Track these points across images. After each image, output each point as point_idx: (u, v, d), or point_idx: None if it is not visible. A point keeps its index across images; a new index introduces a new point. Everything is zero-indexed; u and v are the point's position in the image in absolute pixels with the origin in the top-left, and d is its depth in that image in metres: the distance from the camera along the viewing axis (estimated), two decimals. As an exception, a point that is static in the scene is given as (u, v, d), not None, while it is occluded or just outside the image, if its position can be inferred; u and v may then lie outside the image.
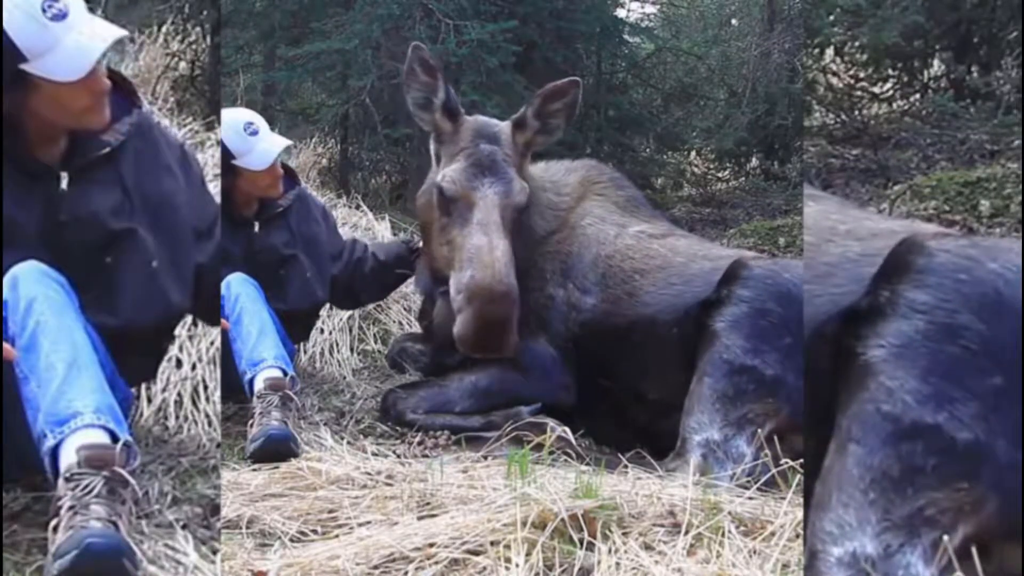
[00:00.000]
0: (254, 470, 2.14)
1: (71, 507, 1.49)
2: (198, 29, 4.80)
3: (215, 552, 1.66)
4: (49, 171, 1.85)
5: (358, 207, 4.66)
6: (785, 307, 2.16)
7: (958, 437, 1.37)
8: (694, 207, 6.28)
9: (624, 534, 1.63)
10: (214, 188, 2.67)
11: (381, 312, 3.68)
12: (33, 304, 1.66)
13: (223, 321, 2.45)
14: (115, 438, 1.60)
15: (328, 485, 1.99)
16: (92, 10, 1.85)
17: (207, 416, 2.34)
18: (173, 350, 2.42)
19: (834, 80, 5.43)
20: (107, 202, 1.89)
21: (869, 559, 1.34)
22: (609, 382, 2.37)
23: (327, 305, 3.11)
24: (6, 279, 1.69)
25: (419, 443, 2.47)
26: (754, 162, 6.96)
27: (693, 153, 7.29)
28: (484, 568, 1.53)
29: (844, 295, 1.68)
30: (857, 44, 5.21)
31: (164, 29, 4.64)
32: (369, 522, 1.77)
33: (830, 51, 5.36)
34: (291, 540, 1.72)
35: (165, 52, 4.54)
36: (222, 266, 2.29)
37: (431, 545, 1.58)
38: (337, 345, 3.39)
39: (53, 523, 1.51)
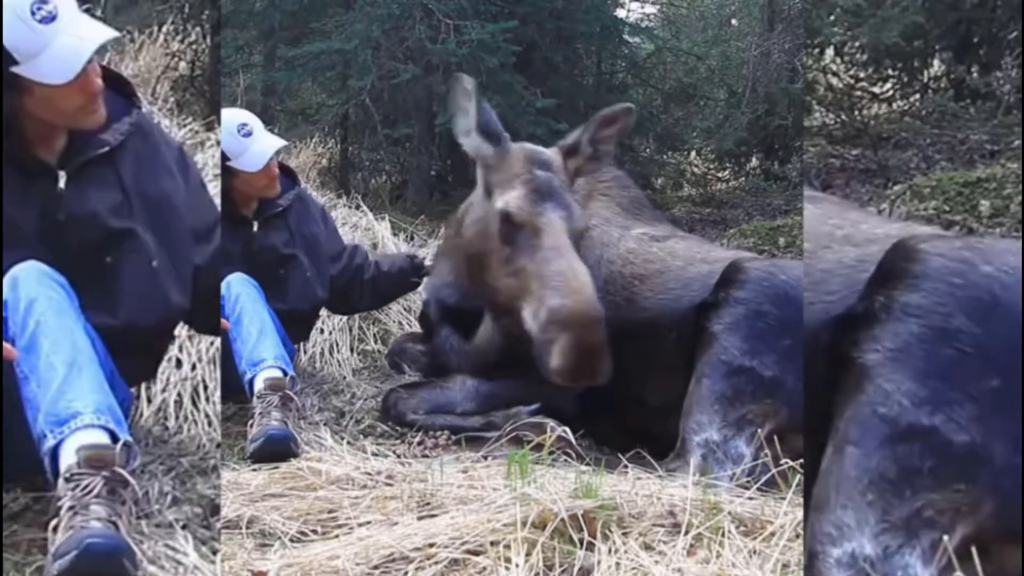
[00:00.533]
0: (254, 470, 2.14)
1: (71, 507, 1.49)
2: (198, 29, 4.81)
3: (215, 552, 1.66)
4: (48, 170, 1.85)
5: (358, 207, 4.66)
6: (782, 308, 2.16)
7: (955, 439, 1.37)
8: (694, 207, 6.28)
9: (624, 534, 1.63)
10: (214, 188, 2.67)
11: (381, 312, 3.68)
12: (33, 304, 1.66)
13: (223, 321, 2.45)
14: (115, 438, 1.60)
15: (328, 485, 2.00)
16: (92, 10, 1.84)
17: (207, 416, 2.34)
18: (173, 350, 2.42)
19: (834, 80, 5.43)
20: (106, 201, 1.89)
21: (868, 560, 1.34)
22: (610, 387, 2.37)
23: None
24: (6, 279, 1.69)
25: (419, 443, 2.47)
26: (754, 162, 6.96)
27: (693, 153, 7.29)
28: (484, 568, 1.53)
29: (838, 303, 1.68)
30: (857, 44, 5.21)
31: (164, 29, 4.64)
32: (369, 522, 1.77)
33: (830, 51, 5.35)
34: (291, 540, 1.72)
35: (165, 52, 4.54)
36: (221, 266, 2.29)
37: (431, 545, 1.59)
38: (337, 345, 3.39)
39: (53, 523, 1.51)
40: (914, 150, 4.92)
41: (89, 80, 1.81)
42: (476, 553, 1.56)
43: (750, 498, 1.83)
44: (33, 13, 1.71)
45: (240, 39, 5.92)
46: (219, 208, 2.26)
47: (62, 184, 1.85)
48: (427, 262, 3.15)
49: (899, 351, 1.48)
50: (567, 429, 2.31)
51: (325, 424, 2.56)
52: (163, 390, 2.35)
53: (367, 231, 4.33)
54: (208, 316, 2.19)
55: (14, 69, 1.72)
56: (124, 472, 1.56)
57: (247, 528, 1.76)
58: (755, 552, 1.59)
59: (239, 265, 2.66)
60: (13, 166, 1.79)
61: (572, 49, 6.27)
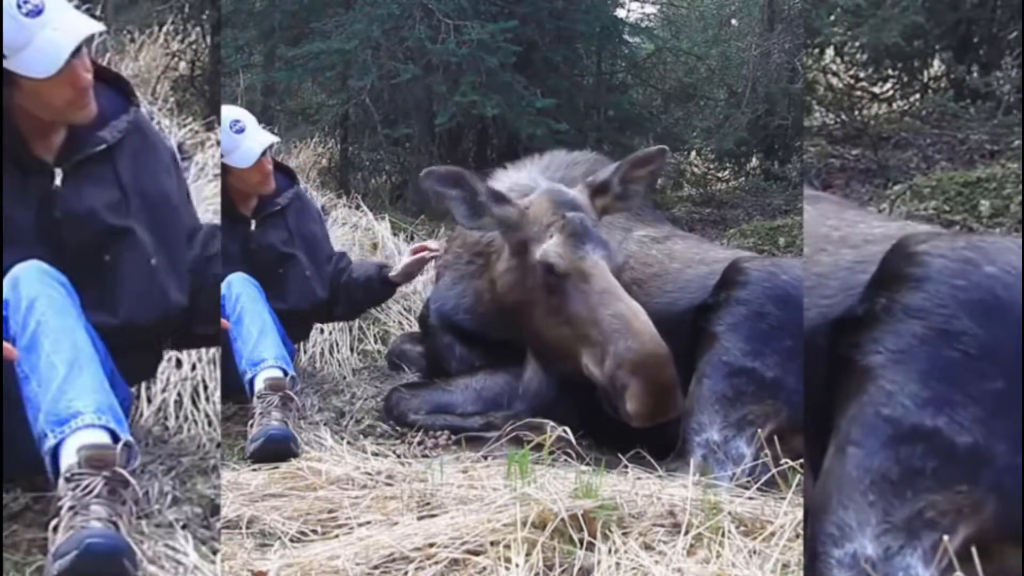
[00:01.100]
0: (254, 470, 2.14)
1: (71, 507, 1.49)
2: (198, 29, 4.81)
3: (215, 552, 1.66)
4: (44, 167, 1.85)
5: (358, 207, 4.66)
6: (783, 309, 2.16)
7: (957, 440, 1.37)
8: (694, 207, 6.28)
9: (624, 534, 1.63)
10: (215, 188, 2.67)
11: (381, 312, 3.68)
12: (34, 304, 1.66)
13: (223, 321, 2.45)
14: (116, 438, 1.60)
15: (328, 485, 2.00)
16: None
17: (207, 416, 2.34)
18: (173, 350, 2.42)
19: (834, 80, 5.43)
20: (103, 199, 1.89)
21: (869, 560, 1.34)
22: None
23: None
24: (7, 278, 1.69)
25: (419, 443, 2.47)
26: (754, 162, 6.96)
27: (693, 153, 7.29)
28: (484, 568, 1.53)
29: (835, 306, 1.68)
30: (857, 44, 5.21)
31: (164, 29, 4.64)
32: (369, 522, 1.77)
33: (830, 51, 5.35)
34: (291, 540, 1.72)
35: (165, 52, 4.54)
36: (219, 267, 2.29)
37: (431, 545, 1.59)
38: (337, 345, 3.39)
39: (53, 523, 1.51)
40: (914, 150, 4.92)
41: (77, 74, 1.80)
42: (476, 553, 1.56)
43: (750, 498, 1.83)
44: (20, 7, 1.72)
45: (240, 39, 5.92)
46: (201, 215, 2.27)
47: (58, 182, 1.85)
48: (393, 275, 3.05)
49: (902, 352, 1.48)
50: (567, 429, 2.30)
51: (325, 424, 2.56)
52: (163, 390, 2.35)
53: (367, 231, 4.33)
54: (209, 315, 2.18)
55: (4, 64, 1.72)
56: (125, 472, 1.56)
57: (247, 528, 1.76)
58: (755, 552, 1.59)
59: (238, 264, 2.66)
60: (10, 164, 1.79)
61: (572, 49, 6.27)
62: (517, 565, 1.51)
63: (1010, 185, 3.76)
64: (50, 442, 1.58)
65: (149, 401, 2.33)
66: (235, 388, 2.48)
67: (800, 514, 1.63)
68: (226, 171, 2.74)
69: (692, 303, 2.35)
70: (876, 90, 5.49)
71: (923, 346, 1.46)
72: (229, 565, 1.58)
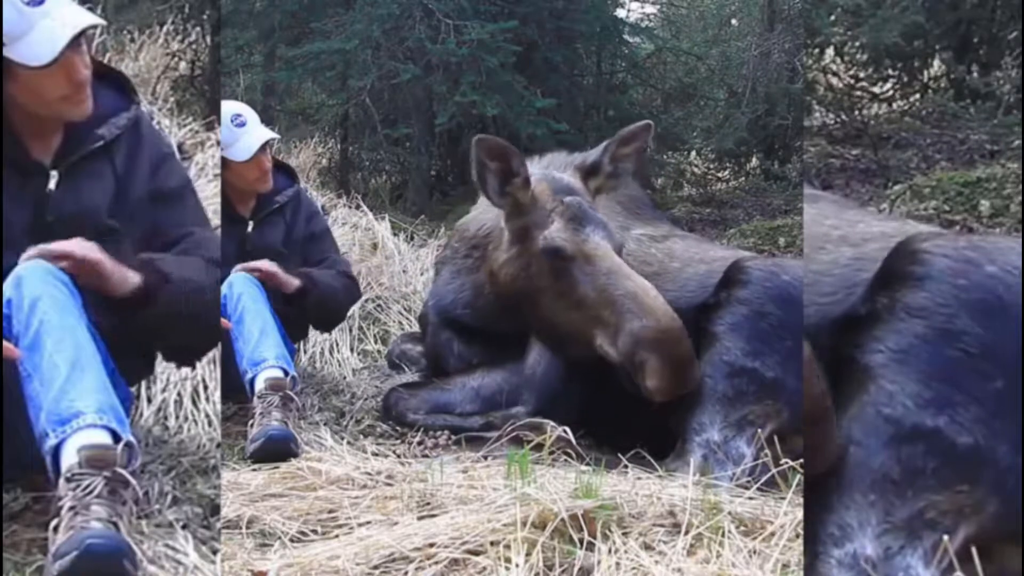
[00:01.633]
0: (254, 470, 2.14)
1: (72, 507, 1.49)
2: (198, 29, 4.81)
3: (215, 552, 1.66)
4: (40, 169, 1.85)
5: (358, 207, 4.66)
6: (784, 309, 2.16)
7: (958, 440, 1.37)
8: (694, 207, 6.28)
9: (624, 534, 1.63)
10: (215, 188, 2.67)
11: (381, 312, 3.69)
12: (37, 303, 1.66)
13: (224, 321, 2.45)
14: (117, 438, 1.60)
15: (328, 485, 2.00)
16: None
17: (207, 416, 2.34)
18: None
19: (834, 80, 5.43)
20: (97, 199, 1.88)
21: (870, 560, 1.34)
22: (611, 390, 2.36)
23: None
24: (11, 277, 1.69)
25: (419, 443, 2.47)
26: (754, 162, 6.96)
27: (693, 153, 7.28)
28: (484, 568, 1.53)
29: (834, 304, 1.68)
30: (857, 44, 5.21)
31: (164, 29, 4.64)
32: (369, 522, 1.77)
33: (830, 51, 5.36)
34: (291, 540, 1.72)
35: (165, 52, 4.54)
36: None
37: (431, 545, 1.59)
38: (337, 345, 3.39)
39: (53, 523, 1.51)
40: (914, 150, 4.92)
41: (74, 67, 1.80)
42: (476, 553, 1.56)
43: (750, 498, 1.83)
44: None
45: (240, 39, 5.92)
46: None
47: (52, 185, 1.84)
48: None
49: (903, 352, 1.48)
50: (567, 429, 2.30)
51: (325, 424, 2.56)
52: (163, 390, 2.34)
53: (367, 231, 4.33)
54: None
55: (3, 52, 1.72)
56: (125, 472, 1.56)
57: (247, 528, 1.76)
58: (755, 552, 1.59)
59: (234, 265, 2.65)
60: (7, 165, 1.79)
61: (572, 49, 6.28)
62: (517, 565, 1.51)
63: (1010, 185, 3.76)
64: (51, 441, 1.57)
65: (149, 401, 2.33)
66: (236, 388, 2.48)
67: (800, 514, 1.63)
68: (225, 167, 2.74)
69: (692, 302, 2.35)
70: (876, 90, 5.49)
71: (924, 346, 1.46)
72: (229, 565, 1.58)
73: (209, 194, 3.05)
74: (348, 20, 5.33)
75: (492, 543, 1.57)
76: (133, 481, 1.57)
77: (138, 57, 4.42)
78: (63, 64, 1.76)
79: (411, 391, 2.74)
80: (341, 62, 5.42)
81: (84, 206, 1.86)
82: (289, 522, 1.78)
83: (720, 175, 7.22)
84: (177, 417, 2.33)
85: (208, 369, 2.40)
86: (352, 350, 3.44)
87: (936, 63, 5.42)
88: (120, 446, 1.59)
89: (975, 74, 5.02)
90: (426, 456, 2.35)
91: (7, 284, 1.68)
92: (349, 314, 3.43)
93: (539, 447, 2.17)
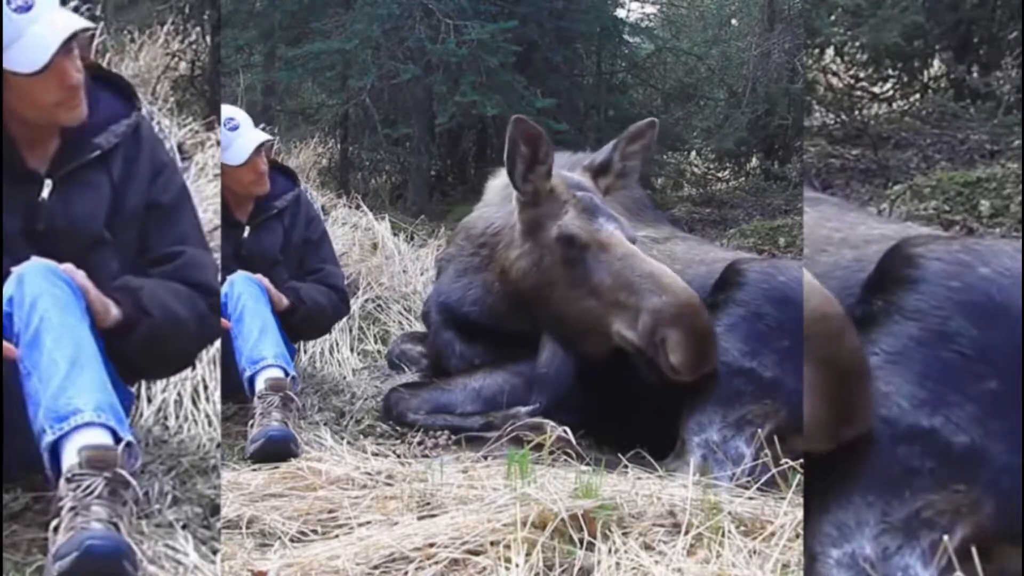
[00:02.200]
0: (254, 470, 2.14)
1: (72, 508, 1.49)
2: (198, 29, 4.80)
3: (215, 552, 1.66)
4: (35, 177, 1.83)
5: (358, 207, 4.66)
6: (781, 310, 2.16)
7: (954, 441, 1.38)
8: (694, 207, 6.28)
9: (624, 534, 1.63)
10: (215, 188, 2.66)
11: (381, 312, 3.69)
12: (38, 301, 1.66)
13: (224, 321, 2.45)
14: (117, 438, 1.60)
15: (328, 485, 2.00)
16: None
17: (207, 416, 2.34)
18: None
19: (834, 80, 5.43)
20: (91, 208, 1.86)
21: (868, 560, 1.34)
22: (615, 389, 2.37)
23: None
24: (12, 276, 1.69)
25: (419, 443, 2.47)
26: (754, 162, 6.96)
27: (693, 153, 7.29)
28: (484, 568, 1.53)
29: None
30: (857, 44, 5.21)
31: (164, 29, 4.63)
32: (369, 522, 1.77)
33: (830, 51, 5.36)
34: (291, 540, 1.72)
35: (165, 52, 4.53)
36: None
37: (431, 545, 1.59)
38: (337, 345, 3.39)
39: (54, 524, 1.51)
40: (914, 150, 4.92)
41: (66, 73, 1.78)
42: (476, 553, 1.56)
43: (750, 498, 1.83)
44: (9, 3, 1.72)
45: (240, 39, 5.92)
46: (201, 215, 2.20)
47: (45, 194, 1.82)
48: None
49: (898, 354, 1.49)
50: (567, 429, 2.30)
51: (325, 424, 2.56)
52: (163, 390, 2.34)
53: (367, 231, 4.33)
54: None
55: None
56: (125, 473, 1.56)
57: (247, 528, 1.77)
58: (755, 552, 1.59)
59: (231, 268, 2.65)
60: (3, 171, 1.78)
61: (572, 49, 6.28)
62: (517, 565, 1.51)
63: (1010, 185, 3.77)
64: (48, 438, 1.57)
65: (149, 401, 2.33)
66: (235, 387, 2.48)
67: (800, 514, 1.63)
68: (221, 172, 2.73)
69: None
70: (876, 90, 5.49)
71: (919, 347, 1.47)
72: (229, 565, 1.58)
73: (209, 194, 3.05)
74: (348, 20, 5.34)
75: (492, 543, 1.57)
76: (133, 481, 1.58)
77: (138, 57, 4.41)
78: (55, 70, 1.75)
79: (411, 391, 2.74)
80: (341, 62, 5.42)
81: (76, 216, 1.84)
82: (289, 522, 1.78)
83: (720, 175, 7.23)
84: (177, 417, 2.33)
85: (208, 369, 2.40)
86: (352, 350, 3.44)
87: (936, 63, 5.42)
88: (120, 446, 1.59)
89: (975, 74, 5.02)
90: (426, 456, 2.35)
91: (9, 282, 1.68)
92: (349, 314, 3.44)
93: (539, 447, 2.16)
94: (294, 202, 2.89)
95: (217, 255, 2.54)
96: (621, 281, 2.27)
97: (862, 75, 5.44)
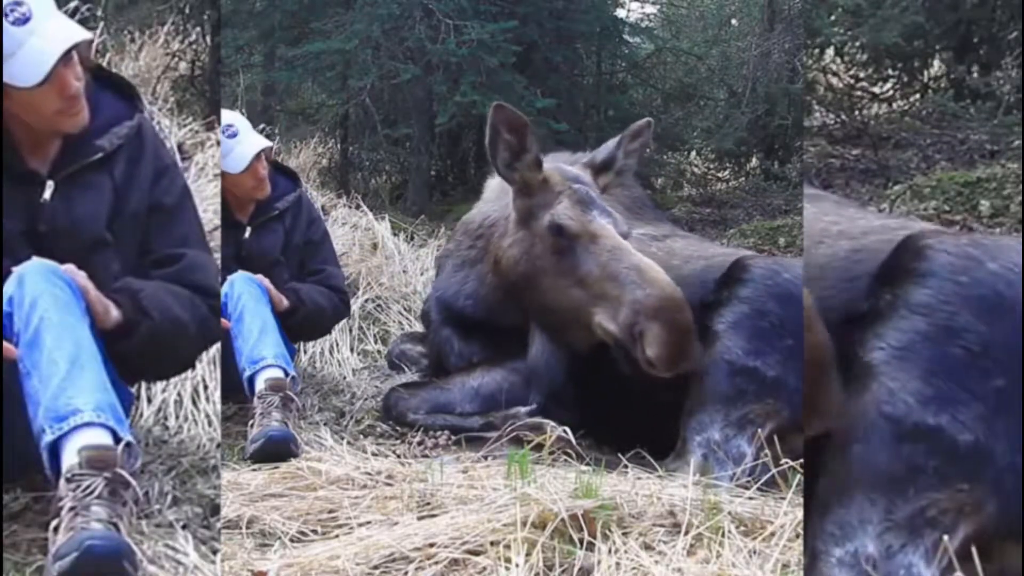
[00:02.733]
0: (254, 470, 2.14)
1: (72, 508, 1.49)
2: (198, 29, 4.80)
3: (215, 552, 1.66)
4: (36, 178, 1.83)
5: (358, 207, 4.66)
6: (785, 308, 2.16)
7: (959, 438, 1.37)
8: (694, 207, 6.29)
9: (624, 534, 1.63)
10: (215, 188, 2.66)
11: (381, 312, 3.69)
12: (38, 301, 1.66)
13: (224, 321, 2.45)
14: (117, 437, 1.60)
15: (328, 485, 1.99)
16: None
17: (207, 416, 2.34)
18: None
19: (834, 80, 5.44)
20: (92, 210, 1.86)
21: (870, 559, 1.34)
22: (610, 386, 2.36)
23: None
24: (13, 276, 1.69)
25: (419, 443, 2.47)
26: (754, 162, 6.96)
27: (693, 153, 7.29)
28: (484, 568, 1.53)
29: (835, 296, 1.68)
30: (857, 44, 5.22)
31: (164, 29, 4.64)
32: (369, 522, 1.77)
33: (830, 51, 5.36)
34: (291, 540, 1.72)
35: (165, 52, 4.53)
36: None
37: (431, 545, 1.58)
38: (337, 345, 3.39)
39: (54, 524, 1.51)
40: (914, 150, 4.93)
41: (65, 82, 1.78)
42: (476, 553, 1.56)
43: (750, 498, 1.83)
44: (7, 15, 1.71)
45: (240, 39, 5.92)
46: (201, 215, 2.19)
47: (47, 195, 1.83)
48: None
49: (904, 349, 1.48)
50: (567, 429, 2.30)
51: (325, 424, 2.56)
52: (163, 390, 2.34)
53: (367, 231, 4.33)
54: None
55: None
56: (125, 473, 1.56)
57: (247, 528, 1.76)
58: (755, 552, 1.59)
59: (231, 269, 2.65)
60: (5, 173, 1.78)
61: (572, 49, 6.28)
62: (517, 565, 1.51)
63: (1010, 185, 3.77)
64: (48, 438, 1.57)
65: (149, 401, 2.33)
66: (235, 387, 2.48)
67: (800, 514, 1.63)
68: (222, 177, 2.73)
69: (692, 299, 2.35)
70: (876, 90, 5.50)
71: (926, 343, 1.46)
72: (229, 565, 1.58)
73: (209, 195, 3.05)
74: (348, 20, 5.34)
75: (492, 543, 1.57)
76: (133, 481, 1.58)
77: (138, 57, 4.41)
78: (55, 81, 1.75)
79: (411, 391, 2.74)
80: (341, 62, 5.42)
81: (78, 217, 1.85)
82: (289, 522, 1.78)
83: (720, 175, 7.23)
84: (177, 417, 2.33)
85: (208, 369, 2.40)
86: (352, 350, 3.44)
87: (936, 63, 5.42)
88: (120, 446, 1.59)
89: (975, 74, 5.02)
90: (426, 456, 2.35)
91: (9, 282, 1.68)
92: (349, 315, 3.43)
93: (539, 447, 2.16)
94: (295, 203, 2.89)
95: (218, 256, 2.54)
96: (607, 272, 2.27)
97: (862, 75, 5.44)
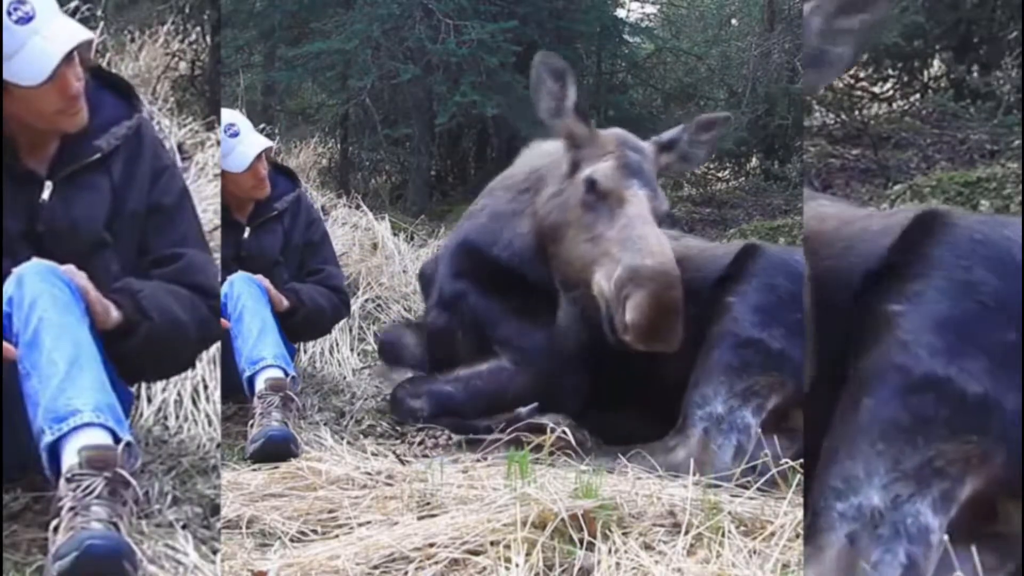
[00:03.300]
0: (254, 470, 2.14)
1: (72, 508, 1.49)
2: (198, 29, 4.80)
3: (215, 552, 1.66)
4: (34, 178, 1.83)
5: (358, 207, 4.66)
6: (795, 283, 2.17)
7: (968, 390, 1.38)
8: (694, 207, 6.28)
9: (624, 534, 1.63)
10: (215, 188, 2.66)
11: (381, 312, 3.69)
12: (37, 301, 1.66)
13: (223, 320, 2.45)
14: (116, 438, 1.60)
15: (328, 485, 1.99)
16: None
17: (207, 416, 2.34)
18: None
19: (834, 80, 5.43)
20: (91, 210, 1.86)
21: (876, 511, 1.35)
22: (625, 371, 2.38)
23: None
24: (12, 276, 1.69)
25: (419, 443, 2.47)
26: (754, 162, 6.95)
27: (693, 153, 7.27)
28: (484, 568, 1.53)
29: (844, 253, 1.71)
30: (857, 44, 5.20)
31: (164, 29, 4.64)
32: (369, 522, 1.77)
33: (830, 51, 5.34)
34: (291, 540, 1.72)
35: (165, 52, 4.53)
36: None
37: (431, 545, 1.59)
38: (337, 345, 3.39)
39: (53, 524, 1.51)
40: (914, 150, 4.92)
41: (67, 82, 1.78)
42: (476, 553, 1.56)
43: (750, 498, 1.83)
44: (10, 14, 1.70)
45: (240, 39, 5.93)
46: (201, 215, 2.19)
47: (46, 195, 1.83)
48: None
49: (920, 303, 1.49)
50: (567, 429, 2.30)
51: (325, 424, 2.56)
52: (163, 390, 2.34)
53: (367, 231, 4.33)
54: None
55: None
56: (125, 473, 1.56)
57: (247, 528, 1.76)
58: (755, 552, 1.59)
59: (230, 269, 2.65)
60: (4, 173, 1.78)
61: (572, 49, 6.28)
62: (517, 565, 1.51)
63: (1010, 185, 3.76)
64: (47, 438, 1.57)
65: (149, 401, 2.33)
66: (235, 387, 2.48)
67: (800, 514, 1.63)
68: (222, 176, 2.73)
69: (708, 280, 2.38)
70: (876, 90, 5.50)
71: (941, 296, 1.48)
72: (229, 565, 1.58)
73: (209, 195, 3.05)
74: (348, 20, 5.34)
75: (492, 543, 1.57)
76: (133, 481, 1.57)
77: (138, 57, 4.41)
78: (56, 80, 1.75)
79: (415, 386, 2.73)
80: (341, 62, 5.42)
81: (76, 218, 1.84)
82: (289, 522, 1.78)
83: (720, 175, 7.22)
84: (177, 417, 2.33)
85: (208, 369, 2.40)
86: (352, 350, 3.44)
87: (936, 63, 5.42)
88: (120, 446, 1.59)
89: (975, 74, 5.02)
90: (426, 456, 2.35)
91: (8, 282, 1.68)
92: (349, 315, 3.43)
93: (539, 447, 2.16)
94: (295, 203, 2.89)
95: (217, 256, 2.54)
96: (620, 235, 2.30)
97: (862, 75, 5.44)
